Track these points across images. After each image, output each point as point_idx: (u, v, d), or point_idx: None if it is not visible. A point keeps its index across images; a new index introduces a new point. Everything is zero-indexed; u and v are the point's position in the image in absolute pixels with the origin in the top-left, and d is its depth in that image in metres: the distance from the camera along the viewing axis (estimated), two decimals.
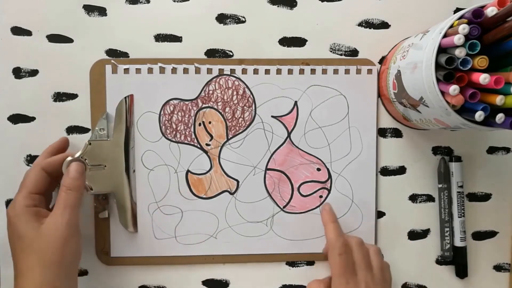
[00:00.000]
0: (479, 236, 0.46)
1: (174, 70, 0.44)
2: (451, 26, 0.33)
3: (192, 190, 0.45)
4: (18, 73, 0.44)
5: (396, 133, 0.46)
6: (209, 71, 0.44)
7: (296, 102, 0.45)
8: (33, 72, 0.44)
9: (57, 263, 0.36)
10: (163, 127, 0.45)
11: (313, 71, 0.45)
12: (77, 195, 0.38)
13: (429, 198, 0.46)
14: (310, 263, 0.46)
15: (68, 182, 0.38)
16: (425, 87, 0.34)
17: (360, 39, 0.45)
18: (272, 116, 0.45)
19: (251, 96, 0.45)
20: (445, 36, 0.33)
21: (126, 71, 0.44)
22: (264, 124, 0.45)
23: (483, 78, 0.31)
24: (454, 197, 0.45)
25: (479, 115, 0.33)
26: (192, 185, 0.45)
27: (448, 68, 0.32)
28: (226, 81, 0.45)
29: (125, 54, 0.44)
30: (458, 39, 0.31)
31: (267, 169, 0.45)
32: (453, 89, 0.32)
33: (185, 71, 0.44)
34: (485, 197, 0.46)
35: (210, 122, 0.45)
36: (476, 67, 0.32)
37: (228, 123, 0.45)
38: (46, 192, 0.40)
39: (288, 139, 0.45)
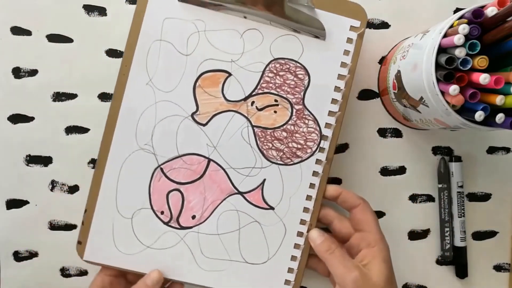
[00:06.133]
0: (479, 236, 0.46)
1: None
2: (451, 26, 0.33)
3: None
4: (17, 73, 0.44)
5: (396, 133, 0.46)
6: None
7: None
8: (33, 72, 0.44)
9: None
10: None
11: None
12: None
13: (429, 198, 0.46)
14: None
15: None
16: (425, 87, 0.34)
17: None
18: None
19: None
20: (445, 36, 0.33)
21: None
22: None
23: (483, 78, 0.31)
24: (454, 197, 0.45)
25: (479, 115, 0.33)
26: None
27: (448, 68, 0.32)
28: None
29: None
30: (458, 39, 0.31)
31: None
32: (453, 89, 0.32)
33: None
34: (485, 197, 0.46)
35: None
36: (476, 67, 0.32)
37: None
38: None
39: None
